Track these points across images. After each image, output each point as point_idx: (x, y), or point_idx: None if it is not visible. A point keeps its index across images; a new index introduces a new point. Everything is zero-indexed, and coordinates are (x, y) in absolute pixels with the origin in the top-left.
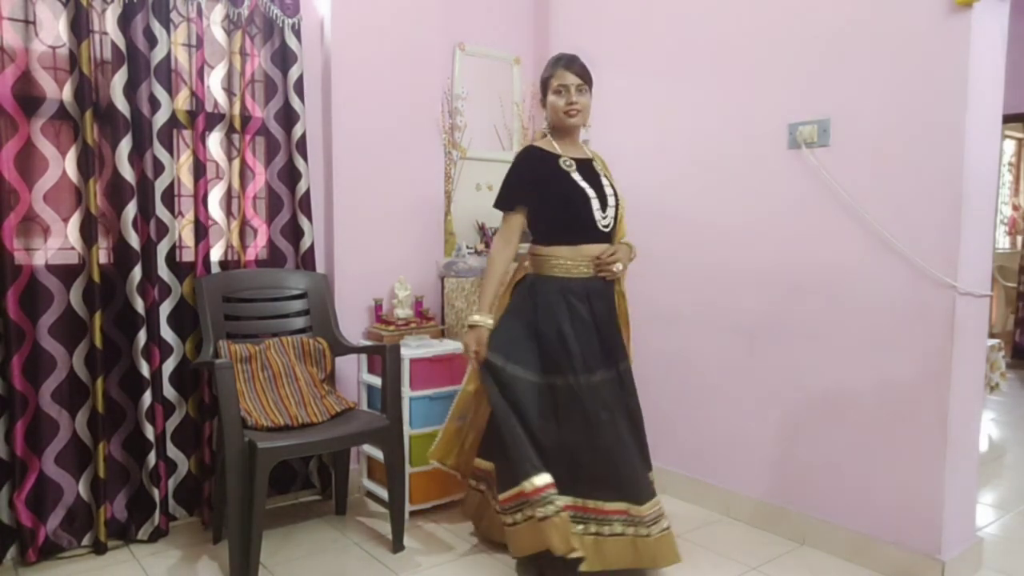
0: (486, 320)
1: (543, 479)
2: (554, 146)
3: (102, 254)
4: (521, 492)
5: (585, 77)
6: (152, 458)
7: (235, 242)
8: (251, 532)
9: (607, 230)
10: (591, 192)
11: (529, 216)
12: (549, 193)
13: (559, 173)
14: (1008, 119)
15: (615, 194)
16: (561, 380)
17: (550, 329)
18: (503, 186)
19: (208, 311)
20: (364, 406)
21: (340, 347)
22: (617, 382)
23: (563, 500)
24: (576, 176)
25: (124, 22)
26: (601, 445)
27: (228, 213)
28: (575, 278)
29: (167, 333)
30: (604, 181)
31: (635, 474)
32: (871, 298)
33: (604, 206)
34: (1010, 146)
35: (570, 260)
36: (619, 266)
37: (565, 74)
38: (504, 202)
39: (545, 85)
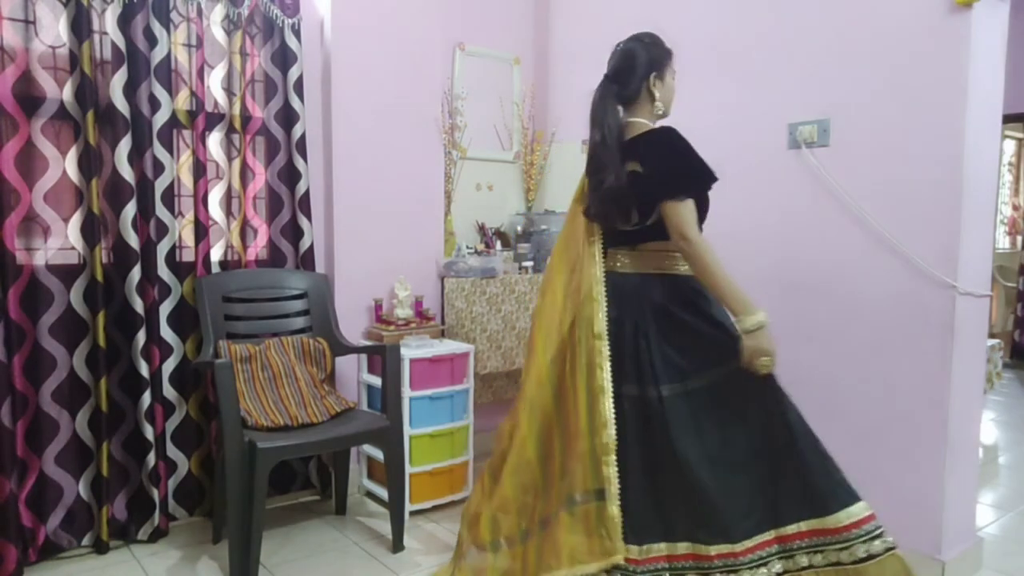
0: (765, 316)
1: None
2: None
3: (102, 254)
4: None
5: None
6: (152, 458)
7: (235, 242)
8: (251, 532)
9: None
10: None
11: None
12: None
13: None
14: (1008, 119)
15: None
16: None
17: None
18: (688, 165)
19: (208, 311)
20: (364, 406)
21: (340, 347)
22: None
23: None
24: None
25: (124, 22)
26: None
27: (228, 213)
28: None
29: (167, 333)
30: None
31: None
32: (871, 298)
33: None
34: (1010, 146)
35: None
36: None
37: None
38: (699, 181)
39: (667, 64)
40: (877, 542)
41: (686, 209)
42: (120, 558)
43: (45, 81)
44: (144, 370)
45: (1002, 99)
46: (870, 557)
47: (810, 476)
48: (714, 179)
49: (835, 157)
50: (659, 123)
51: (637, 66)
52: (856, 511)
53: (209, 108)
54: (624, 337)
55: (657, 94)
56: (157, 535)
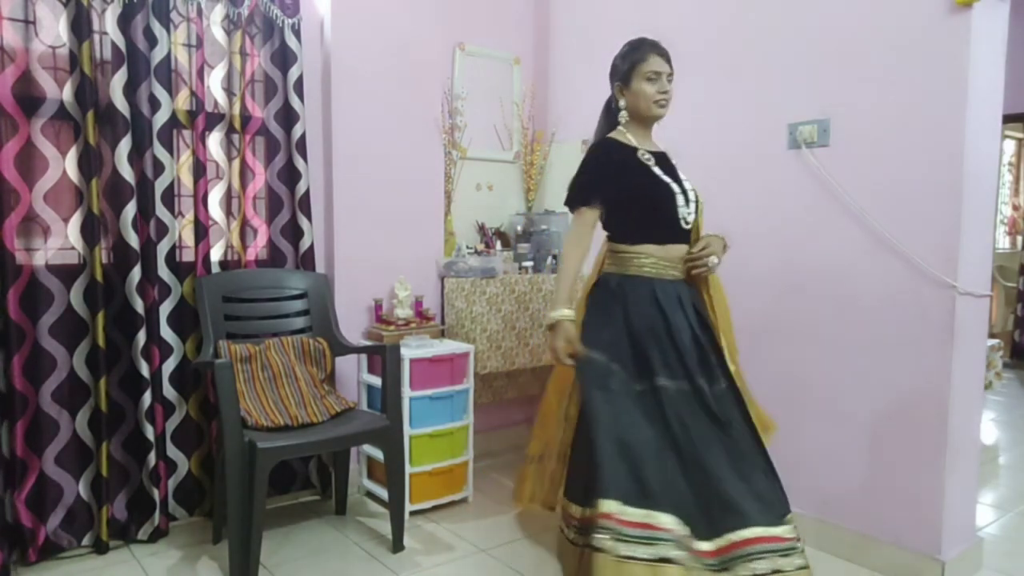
0: (568, 313)
1: (670, 519)
2: (629, 138)
3: (102, 254)
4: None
5: (671, 66)
6: (152, 458)
7: (235, 242)
8: (251, 532)
9: (688, 228)
10: (675, 187)
11: (605, 213)
12: (632, 188)
13: (640, 167)
14: (1008, 119)
15: (693, 189)
16: (671, 383)
17: (649, 326)
18: (576, 181)
19: (208, 311)
20: (364, 406)
21: (340, 347)
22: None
23: (697, 545)
24: (657, 171)
25: (124, 22)
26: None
27: (228, 213)
28: (668, 280)
29: (167, 333)
30: (683, 175)
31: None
32: (871, 298)
33: (687, 201)
34: (1010, 146)
35: (662, 260)
36: (714, 259)
37: (659, 60)
38: (579, 198)
39: (632, 70)
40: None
41: (575, 219)
42: (120, 558)
43: (45, 81)
44: (145, 370)
45: (1002, 99)
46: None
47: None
48: (585, 200)
49: (835, 157)
50: (655, 127)
51: (611, 80)
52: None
53: (209, 108)
54: None
55: (622, 103)
56: (157, 535)
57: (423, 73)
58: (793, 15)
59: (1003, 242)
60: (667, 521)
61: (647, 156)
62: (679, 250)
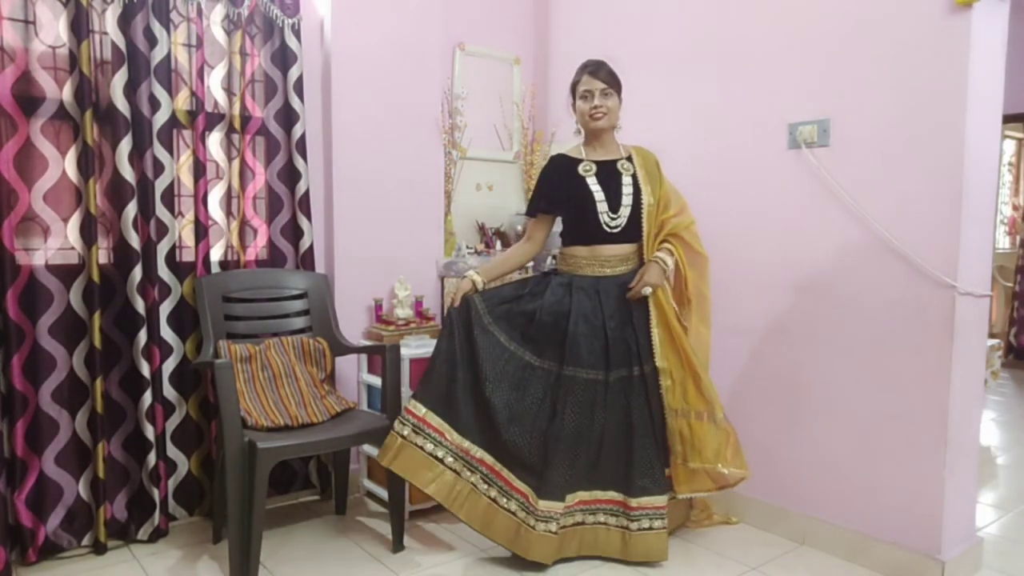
0: (478, 277)
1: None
2: (581, 150)
3: (102, 254)
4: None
5: (611, 82)
6: (152, 458)
7: (235, 242)
8: (251, 532)
9: (616, 231)
10: (600, 196)
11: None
12: (565, 199)
13: (576, 179)
14: (1008, 119)
15: (636, 195)
16: (558, 368)
17: (557, 314)
18: (532, 194)
19: (208, 311)
20: (364, 406)
21: (340, 347)
22: (626, 385)
23: (520, 485)
24: (591, 180)
25: (124, 22)
26: (597, 437)
27: (228, 213)
28: (587, 276)
29: (167, 333)
30: (627, 181)
31: (631, 469)
32: (871, 298)
33: (615, 208)
34: (1010, 146)
35: (584, 258)
36: (648, 290)
37: (590, 80)
38: (528, 209)
39: (573, 91)
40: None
41: (527, 223)
42: (120, 558)
43: (45, 81)
44: (145, 370)
45: (1002, 99)
46: None
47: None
48: (530, 211)
49: (835, 157)
50: (617, 134)
51: None
52: None
53: (209, 108)
54: None
55: (575, 118)
56: (157, 535)
57: (423, 73)
58: (793, 15)
59: (1003, 242)
60: (458, 438)
61: (588, 167)
62: (607, 250)
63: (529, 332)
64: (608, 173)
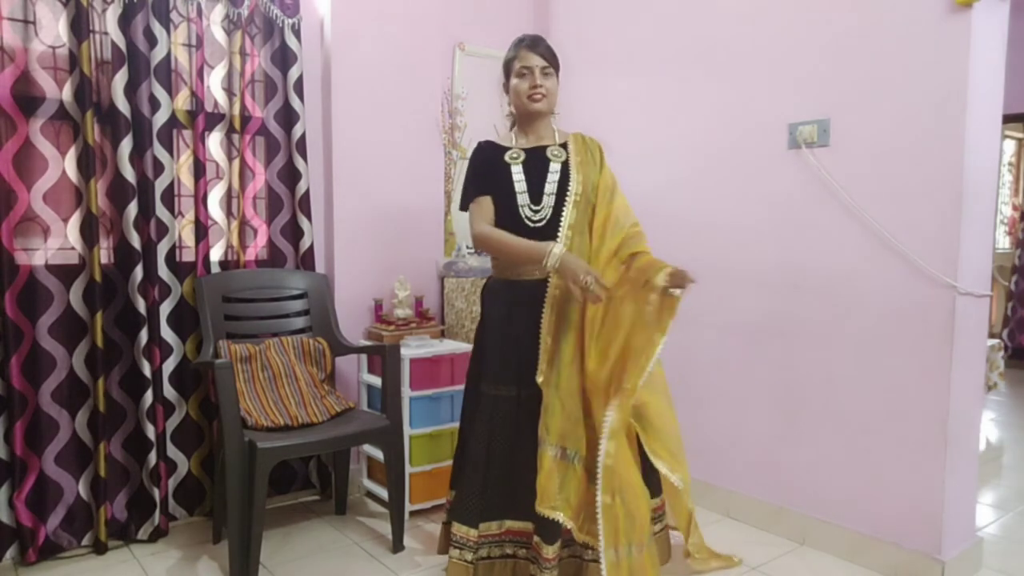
0: (559, 246)
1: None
2: (511, 137)
3: (103, 254)
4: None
5: (551, 59)
6: (152, 458)
7: (235, 242)
8: (251, 532)
9: (540, 225)
10: (521, 186)
11: None
12: (491, 188)
13: (501, 167)
14: (1008, 119)
15: (563, 183)
16: (524, 391)
17: (500, 329)
18: (465, 180)
19: (208, 311)
20: (364, 406)
21: (340, 347)
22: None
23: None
24: (516, 168)
25: (124, 22)
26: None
27: (228, 213)
28: (524, 280)
29: (167, 333)
30: (554, 168)
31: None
32: (871, 298)
33: (537, 199)
34: (1010, 146)
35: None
36: (577, 291)
37: (529, 55)
38: (461, 204)
39: (508, 68)
40: None
41: (470, 213)
42: (120, 558)
43: (45, 81)
44: (146, 370)
45: (1002, 99)
46: None
47: None
48: (462, 204)
49: (835, 157)
50: (554, 119)
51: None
52: None
53: (209, 108)
54: None
55: (508, 100)
56: (157, 535)
57: (423, 73)
58: (793, 15)
59: (1003, 242)
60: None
61: (516, 154)
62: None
63: (521, 363)
64: (536, 160)
